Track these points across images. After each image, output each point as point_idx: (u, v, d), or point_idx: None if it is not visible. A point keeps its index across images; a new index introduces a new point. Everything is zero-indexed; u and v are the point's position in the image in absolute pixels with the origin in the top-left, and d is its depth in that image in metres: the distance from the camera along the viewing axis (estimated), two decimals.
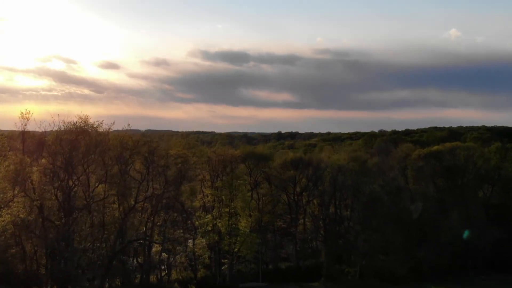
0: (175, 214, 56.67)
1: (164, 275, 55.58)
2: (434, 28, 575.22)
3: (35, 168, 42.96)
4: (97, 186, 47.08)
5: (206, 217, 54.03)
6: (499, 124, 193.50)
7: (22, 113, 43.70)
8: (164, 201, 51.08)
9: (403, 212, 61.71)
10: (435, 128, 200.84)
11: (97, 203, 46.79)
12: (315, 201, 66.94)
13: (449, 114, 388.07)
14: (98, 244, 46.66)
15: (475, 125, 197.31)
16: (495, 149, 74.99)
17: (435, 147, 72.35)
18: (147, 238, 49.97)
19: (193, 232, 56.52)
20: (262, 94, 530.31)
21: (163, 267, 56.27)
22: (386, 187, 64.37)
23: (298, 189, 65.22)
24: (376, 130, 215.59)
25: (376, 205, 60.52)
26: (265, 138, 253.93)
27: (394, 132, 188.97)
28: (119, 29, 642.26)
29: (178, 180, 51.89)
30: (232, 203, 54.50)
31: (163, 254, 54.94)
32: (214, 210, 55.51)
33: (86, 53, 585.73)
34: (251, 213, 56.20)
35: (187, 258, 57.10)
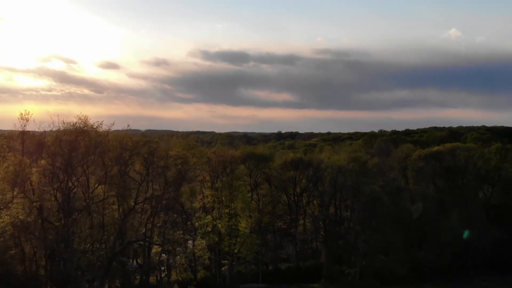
0: (175, 215, 56.59)
1: (164, 276, 55.51)
2: (434, 28, 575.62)
3: (34, 169, 42.82)
4: (97, 187, 46.94)
5: (206, 218, 53.91)
6: (499, 124, 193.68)
7: (21, 114, 43.64)
8: (164, 202, 51.00)
9: (403, 213, 61.61)
10: (435, 128, 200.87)
11: (97, 204, 46.65)
12: (315, 201, 66.88)
13: (449, 114, 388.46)
14: (98, 245, 46.55)
15: (475, 125, 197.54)
16: (495, 149, 74.95)
17: (435, 148, 72.27)
18: (146, 239, 49.85)
19: (193, 233, 56.41)
20: (262, 94, 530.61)
21: (162, 268, 56.20)
22: (386, 187, 64.27)
23: (298, 189, 65.14)
24: (376, 130, 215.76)
25: (376, 205, 60.39)
26: (265, 138, 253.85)
27: (394, 132, 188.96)
28: (119, 29, 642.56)
29: (178, 181, 51.80)
30: (232, 204, 54.37)
31: (163, 255, 54.84)
32: (214, 211, 55.39)
33: (86, 53, 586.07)
34: (251, 214, 56.08)
35: (187, 259, 56.99)
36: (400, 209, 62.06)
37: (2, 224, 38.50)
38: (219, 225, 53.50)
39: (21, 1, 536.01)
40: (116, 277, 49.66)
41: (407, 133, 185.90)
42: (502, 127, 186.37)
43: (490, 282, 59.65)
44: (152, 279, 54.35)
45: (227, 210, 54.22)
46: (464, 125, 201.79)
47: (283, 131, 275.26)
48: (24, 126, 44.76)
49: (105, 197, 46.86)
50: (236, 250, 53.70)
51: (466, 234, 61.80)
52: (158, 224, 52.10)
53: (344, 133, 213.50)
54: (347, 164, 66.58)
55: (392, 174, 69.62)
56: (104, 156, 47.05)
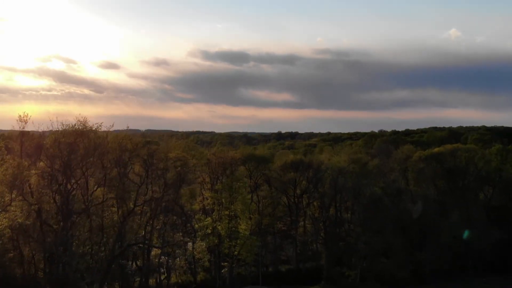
0: (175, 217, 56.31)
1: (164, 279, 55.25)
2: (434, 28, 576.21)
3: (33, 172, 42.60)
4: (96, 190, 46.66)
5: (206, 220, 53.68)
6: (499, 124, 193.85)
7: (19, 116, 43.45)
8: (164, 204, 50.72)
9: (403, 214, 61.38)
10: (435, 128, 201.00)
11: (96, 206, 46.38)
12: (315, 203, 66.60)
13: (449, 114, 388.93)
14: (97, 248, 46.31)
15: (475, 125, 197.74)
16: (496, 151, 74.73)
17: (436, 149, 72.06)
18: (146, 242, 49.57)
19: (193, 235, 56.15)
20: (262, 94, 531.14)
21: (162, 270, 55.92)
22: (386, 189, 64.00)
23: (298, 191, 64.89)
24: (376, 130, 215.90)
25: (377, 207, 60.11)
26: (265, 138, 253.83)
27: (394, 132, 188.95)
28: (119, 29, 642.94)
29: (178, 183, 51.55)
30: (232, 206, 54.16)
31: (162, 257, 54.59)
32: (213, 213, 55.14)
33: (86, 53, 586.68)
34: (251, 215, 55.85)
35: (186, 262, 56.73)
36: (401, 210, 61.83)
37: (0, 227, 38.29)
38: (219, 227, 53.27)
39: (21, 1, 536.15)
40: (115, 279, 49.42)
41: (407, 133, 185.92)
42: (502, 127, 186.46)
43: (490, 283, 59.39)
44: (151, 281, 54.11)
45: (227, 212, 53.99)
46: (464, 125, 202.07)
47: (283, 131, 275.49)
48: (23, 128, 44.72)
49: (104, 199, 46.60)
50: (236, 252, 53.47)
51: (466, 234, 61.59)
52: (158, 227, 51.84)
53: (344, 133, 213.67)
54: (348, 165, 66.31)
55: (393, 176, 69.40)
56: (103, 158, 46.81)
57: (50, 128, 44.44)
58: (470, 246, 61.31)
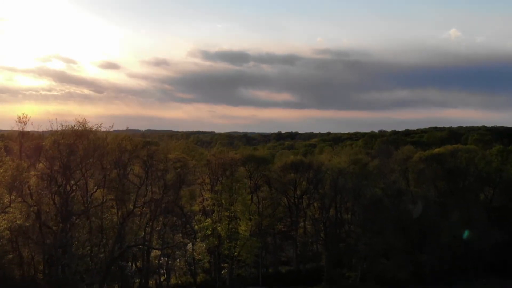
0: (174, 219, 56.12)
1: (163, 280, 55.08)
2: (434, 28, 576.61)
3: (32, 173, 42.43)
4: (95, 191, 46.46)
5: (206, 221, 53.55)
6: (499, 124, 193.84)
7: (19, 117, 43.34)
8: (163, 205, 50.53)
9: (404, 215, 61.20)
10: (435, 128, 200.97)
11: (95, 208, 46.20)
12: (315, 204, 66.46)
13: (449, 114, 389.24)
14: (97, 249, 46.12)
15: (475, 125, 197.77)
16: (497, 151, 74.57)
17: (437, 150, 71.86)
18: (146, 243, 49.39)
19: (193, 236, 55.99)
20: (262, 94, 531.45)
21: (162, 271, 55.75)
22: (387, 190, 63.79)
23: (298, 192, 64.75)
24: (376, 130, 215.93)
25: (377, 208, 59.95)
26: (265, 138, 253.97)
27: (394, 133, 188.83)
28: (119, 29, 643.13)
29: (177, 184, 51.36)
30: (232, 207, 54.06)
31: (162, 258, 54.43)
32: (213, 214, 55.02)
33: (86, 53, 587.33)
34: (251, 216, 55.70)
35: (186, 263, 56.55)
36: (401, 211, 61.64)
37: None
38: (219, 228, 53.15)
39: (21, 1, 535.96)
40: (115, 281, 49.24)
41: (407, 133, 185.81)
42: (502, 127, 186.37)
43: (491, 285, 59.28)
44: (151, 282, 53.93)
45: (227, 213, 53.89)
46: (464, 125, 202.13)
47: (283, 131, 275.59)
48: (22, 129, 44.62)
49: (104, 200, 46.42)
50: (236, 253, 53.37)
51: (466, 234, 61.40)
52: (158, 228, 51.66)
53: (344, 133, 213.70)
54: (348, 166, 66.19)
55: (393, 177, 69.18)
56: (102, 159, 46.66)
57: (50, 129, 44.46)
58: (471, 247, 61.10)
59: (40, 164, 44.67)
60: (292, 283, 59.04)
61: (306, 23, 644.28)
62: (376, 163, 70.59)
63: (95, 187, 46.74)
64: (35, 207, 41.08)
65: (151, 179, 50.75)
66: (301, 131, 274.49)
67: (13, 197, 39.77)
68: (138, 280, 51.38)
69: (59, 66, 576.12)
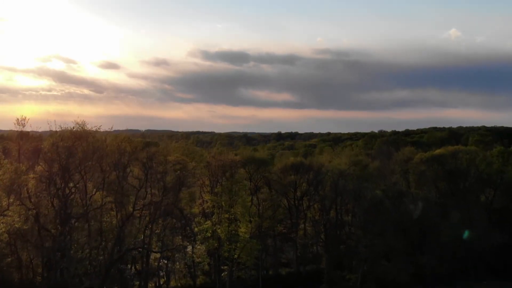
0: (174, 221, 55.85)
1: (163, 283, 54.86)
2: (434, 28, 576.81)
3: (31, 176, 42.17)
4: (95, 194, 46.20)
5: (206, 223, 53.27)
6: (499, 124, 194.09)
7: (17, 119, 43.11)
8: (163, 208, 50.25)
9: (404, 217, 60.98)
10: (435, 129, 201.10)
11: (95, 210, 45.93)
12: (315, 206, 66.22)
13: (449, 114, 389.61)
14: (96, 251, 45.87)
15: (475, 125, 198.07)
16: (497, 152, 74.33)
17: (437, 151, 71.68)
18: (145, 246, 49.13)
19: (192, 238, 55.75)
20: (262, 94, 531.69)
21: (161, 274, 55.52)
22: (387, 191, 63.51)
23: (298, 193, 64.51)
24: (376, 130, 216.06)
25: (378, 210, 59.66)
26: (265, 138, 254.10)
27: (394, 133, 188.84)
28: (119, 29, 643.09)
29: (177, 186, 51.08)
30: (232, 209, 53.80)
31: (161, 260, 54.18)
32: (213, 216, 54.74)
33: (86, 53, 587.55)
34: (251, 218, 55.44)
35: (186, 265, 56.31)
36: (402, 213, 61.41)
37: None
38: (219, 230, 52.87)
39: (21, 1, 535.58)
40: (114, 284, 49.00)
41: (407, 133, 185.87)
42: (502, 127, 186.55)
43: (491, 286, 59.24)
44: (151, 285, 53.69)
45: (226, 215, 53.63)
46: (464, 125, 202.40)
47: (283, 131, 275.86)
48: (21, 129, 44.43)
49: (103, 203, 46.16)
50: (236, 256, 53.11)
51: (466, 234, 61.23)
52: (157, 231, 51.39)
53: (344, 134, 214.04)
54: (348, 168, 65.97)
55: (394, 178, 69.00)
56: (102, 161, 46.38)
57: (50, 129, 44.30)
58: (471, 249, 60.95)
59: (39, 167, 44.39)
60: (292, 285, 58.81)
61: (306, 23, 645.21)
62: (376, 165, 70.45)
63: (94, 190, 46.48)
64: (34, 210, 40.86)
65: (150, 181, 50.48)
66: (301, 131, 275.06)
67: (11, 200, 39.64)
68: (137, 283, 51.16)
69: (59, 66, 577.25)
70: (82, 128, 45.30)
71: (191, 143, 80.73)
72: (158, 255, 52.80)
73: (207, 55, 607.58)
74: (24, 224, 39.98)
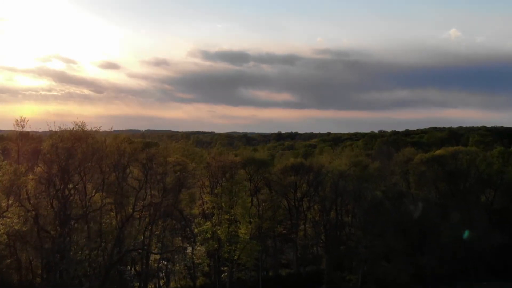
0: (174, 222, 55.72)
1: (163, 284, 54.77)
2: (434, 28, 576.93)
3: (30, 177, 42.03)
4: (94, 195, 46.07)
5: (206, 224, 53.14)
6: (499, 125, 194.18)
7: (16, 120, 43.03)
8: (163, 209, 50.13)
9: (405, 217, 60.92)
10: (435, 129, 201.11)
11: (94, 212, 45.78)
12: (316, 206, 66.13)
13: (449, 114, 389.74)
14: (96, 252, 45.74)
15: (475, 125, 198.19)
16: (498, 153, 74.33)
17: (437, 152, 71.70)
18: (145, 247, 49.00)
19: (192, 239, 55.64)
20: (262, 94, 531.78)
21: (161, 275, 55.40)
22: (387, 192, 63.48)
23: (298, 194, 64.45)
24: (376, 130, 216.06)
25: (378, 210, 59.63)
26: (264, 138, 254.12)
27: (394, 133, 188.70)
28: (119, 29, 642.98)
29: (177, 187, 50.94)
30: (232, 210, 53.67)
31: (161, 262, 54.06)
32: (213, 217, 54.62)
33: (86, 53, 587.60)
34: (251, 219, 55.34)
35: (185, 267, 56.18)
36: (402, 213, 61.36)
37: None
38: (219, 231, 52.75)
39: (21, 1, 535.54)
40: (114, 285, 48.83)
41: (407, 133, 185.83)
42: (502, 127, 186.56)
43: (491, 287, 59.29)
44: (150, 286, 53.58)
45: (226, 216, 53.51)
46: (464, 125, 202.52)
47: (283, 131, 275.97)
48: (21, 131, 44.31)
49: (103, 204, 46.03)
50: (236, 257, 53.02)
51: (466, 234, 61.18)
52: (157, 232, 51.26)
53: (344, 134, 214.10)
54: (348, 169, 65.87)
55: (394, 179, 68.98)
56: (101, 162, 46.22)
57: (50, 129, 44.21)
58: (471, 249, 60.93)
59: (38, 168, 44.25)
60: (292, 286, 58.77)
61: (306, 23, 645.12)
62: (376, 165, 70.35)
63: (94, 191, 46.30)
64: (33, 212, 40.72)
65: (150, 182, 50.32)
66: (301, 131, 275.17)
67: (10, 201, 39.45)
68: (137, 284, 51.01)
69: (59, 66, 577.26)
70: (82, 129, 45.21)
71: (191, 144, 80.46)
72: (158, 257, 52.67)
73: (207, 55, 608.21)
74: (23, 225, 39.80)
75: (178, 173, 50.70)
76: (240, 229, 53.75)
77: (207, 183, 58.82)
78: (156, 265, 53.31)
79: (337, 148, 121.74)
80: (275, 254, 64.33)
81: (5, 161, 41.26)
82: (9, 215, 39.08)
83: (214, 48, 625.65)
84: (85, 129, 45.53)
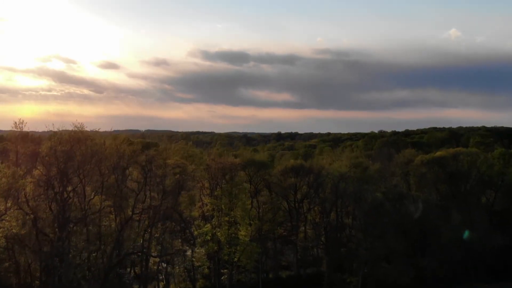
0: (173, 224, 55.47)
1: (163, 287, 54.48)
2: (434, 28, 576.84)
3: (29, 179, 41.80)
4: (93, 197, 45.82)
5: (205, 226, 52.93)
6: (499, 125, 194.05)
7: (15, 122, 42.81)
8: (162, 211, 49.88)
9: (405, 219, 60.73)
10: (435, 129, 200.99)
11: (93, 214, 45.54)
12: (316, 208, 65.88)
13: (449, 114, 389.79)
14: (95, 255, 45.53)
15: (475, 125, 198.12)
16: (499, 154, 74.09)
17: (438, 153, 71.45)
18: (144, 250, 48.76)
19: (192, 242, 55.40)
20: (262, 94, 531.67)
21: (161, 277, 55.14)
22: (388, 194, 63.24)
23: (299, 196, 64.17)
24: (376, 130, 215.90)
25: (378, 212, 59.44)
26: (264, 138, 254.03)
27: (394, 133, 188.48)
28: (119, 29, 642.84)
29: (176, 190, 50.70)
30: (232, 212, 53.43)
31: (161, 264, 53.81)
32: (213, 219, 54.40)
33: (85, 53, 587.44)
34: (251, 221, 55.13)
35: (185, 269, 55.94)
36: (402, 215, 61.16)
37: None
38: (219, 234, 52.55)
39: (21, 1, 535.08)
40: None
41: (407, 133, 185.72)
42: (503, 127, 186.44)
43: None
44: None
45: (226, 218, 53.30)
46: (464, 125, 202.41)
47: (283, 131, 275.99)
48: (20, 131, 44.13)
49: (102, 207, 45.77)
50: (236, 259, 52.81)
51: (466, 234, 60.99)
52: (156, 235, 51.01)
53: (344, 134, 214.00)
54: (349, 170, 65.62)
55: (394, 180, 68.74)
56: (100, 164, 45.99)
57: (49, 129, 44.05)
58: (472, 250, 60.77)
59: (37, 171, 43.99)
60: None
61: (306, 23, 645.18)
62: (377, 167, 70.11)
63: (93, 193, 46.08)
64: (32, 215, 40.53)
65: (149, 184, 50.09)
66: (301, 131, 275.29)
67: (9, 204, 39.22)
68: (136, 287, 50.79)
69: (59, 66, 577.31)
70: (81, 130, 44.96)
71: (191, 145, 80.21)
72: (157, 259, 52.42)
73: (207, 55, 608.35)
74: (22, 228, 39.68)
75: (178, 175, 50.49)
76: (240, 231, 53.48)
77: (206, 185, 58.63)
78: (155, 267, 53.03)
79: (337, 148, 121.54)
80: (275, 256, 64.08)
81: (3, 164, 41.04)
82: (7, 218, 38.95)
83: (214, 48, 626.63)
84: (84, 131, 45.32)
